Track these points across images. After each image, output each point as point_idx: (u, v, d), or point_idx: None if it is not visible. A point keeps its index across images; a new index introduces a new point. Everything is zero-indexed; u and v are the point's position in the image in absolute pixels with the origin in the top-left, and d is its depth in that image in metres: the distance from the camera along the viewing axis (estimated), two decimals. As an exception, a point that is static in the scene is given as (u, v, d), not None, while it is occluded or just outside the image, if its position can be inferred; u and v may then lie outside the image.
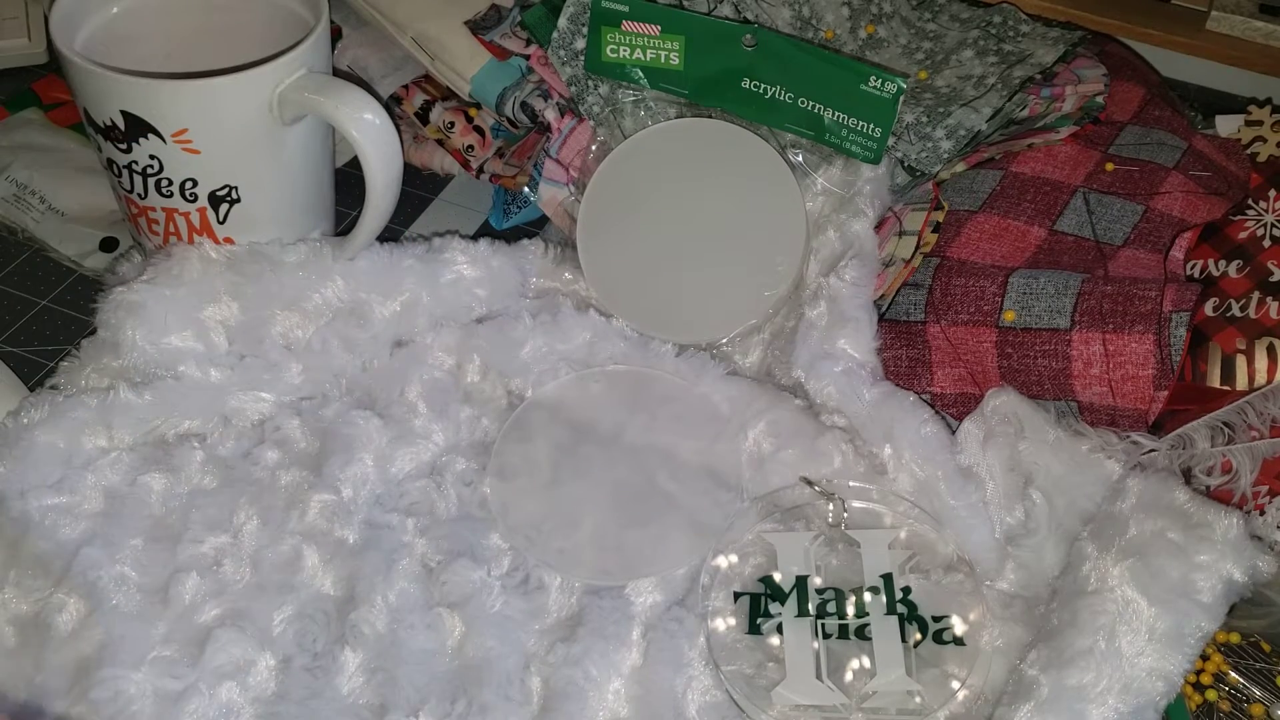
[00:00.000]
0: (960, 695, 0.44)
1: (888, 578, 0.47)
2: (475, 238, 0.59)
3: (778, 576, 0.47)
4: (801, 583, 0.47)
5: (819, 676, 0.44)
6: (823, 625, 0.46)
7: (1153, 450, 0.50)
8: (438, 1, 0.65)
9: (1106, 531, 0.46)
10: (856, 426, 0.52)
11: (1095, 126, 0.61)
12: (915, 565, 0.49)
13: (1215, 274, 0.56)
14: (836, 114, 0.57)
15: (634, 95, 0.61)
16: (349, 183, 0.63)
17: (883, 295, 0.55)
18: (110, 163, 0.55)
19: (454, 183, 0.69)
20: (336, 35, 0.68)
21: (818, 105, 0.57)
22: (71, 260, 0.63)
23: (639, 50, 0.59)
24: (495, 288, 0.58)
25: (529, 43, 0.62)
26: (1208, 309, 0.54)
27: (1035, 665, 0.44)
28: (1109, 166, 0.59)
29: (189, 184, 0.54)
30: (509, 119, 0.63)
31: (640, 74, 0.60)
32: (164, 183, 0.54)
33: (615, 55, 0.59)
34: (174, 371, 0.53)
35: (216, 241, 0.57)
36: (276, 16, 0.58)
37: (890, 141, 0.58)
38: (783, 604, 0.46)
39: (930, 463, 0.50)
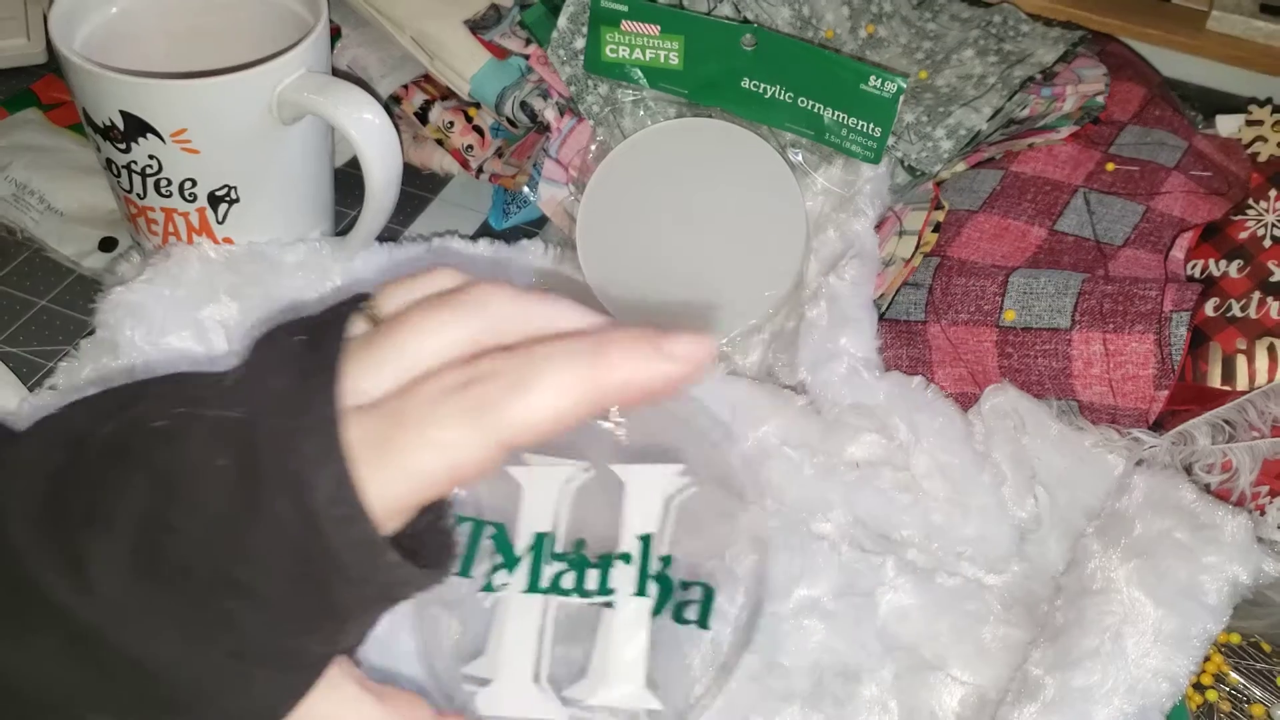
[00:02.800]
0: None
1: (646, 540, 0.35)
2: (475, 238, 0.59)
3: (517, 531, 0.34)
4: (540, 544, 0.35)
5: (536, 678, 0.34)
6: (555, 606, 0.34)
7: (1154, 447, 0.50)
8: (437, 1, 0.65)
9: (1112, 529, 0.46)
10: (871, 418, 0.52)
11: (1095, 126, 0.61)
12: (688, 502, 0.38)
13: (1216, 274, 0.56)
14: (836, 114, 0.57)
15: (634, 95, 0.61)
16: (349, 183, 0.63)
17: (883, 295, 0.55)
18: (109, 163, 0.55)
19: (453, 183, 0.69)
20: (336, 35, 0.68)
21: (817, 105, 0.57)
22: (70, 260, 0.63)
23: (638, 50, 0.59)
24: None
25: (528, 42, 0.62)
26: (1208, 309, 0.54)
27: (1040, 665, 0.44)
28: (1109, 166, 0.59)
29: (188, 184, 0.54)
30: (508, 119, 0.63)
31: (640, 74, 0.60)
32: (163, 183, 0.54)
33: (615, 55, 0.59)
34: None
35: (216, 241, 0.57)
36: (276, 16, 0.58)
37: (890, 141, 0.58)
38: (510, 572, 0.34)
39: (950, 451, 0.50)
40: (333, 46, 0.63)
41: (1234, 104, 0.67)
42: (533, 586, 0.34)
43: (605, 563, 0.35)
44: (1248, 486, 0.48)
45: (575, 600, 0.35)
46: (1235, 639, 0.46)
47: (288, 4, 0.57)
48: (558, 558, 0.35)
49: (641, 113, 0.61)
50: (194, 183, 0.54)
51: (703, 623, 0.31)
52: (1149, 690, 0.42)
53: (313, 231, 0.59)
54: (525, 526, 0.34)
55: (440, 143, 0.67)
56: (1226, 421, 0.50)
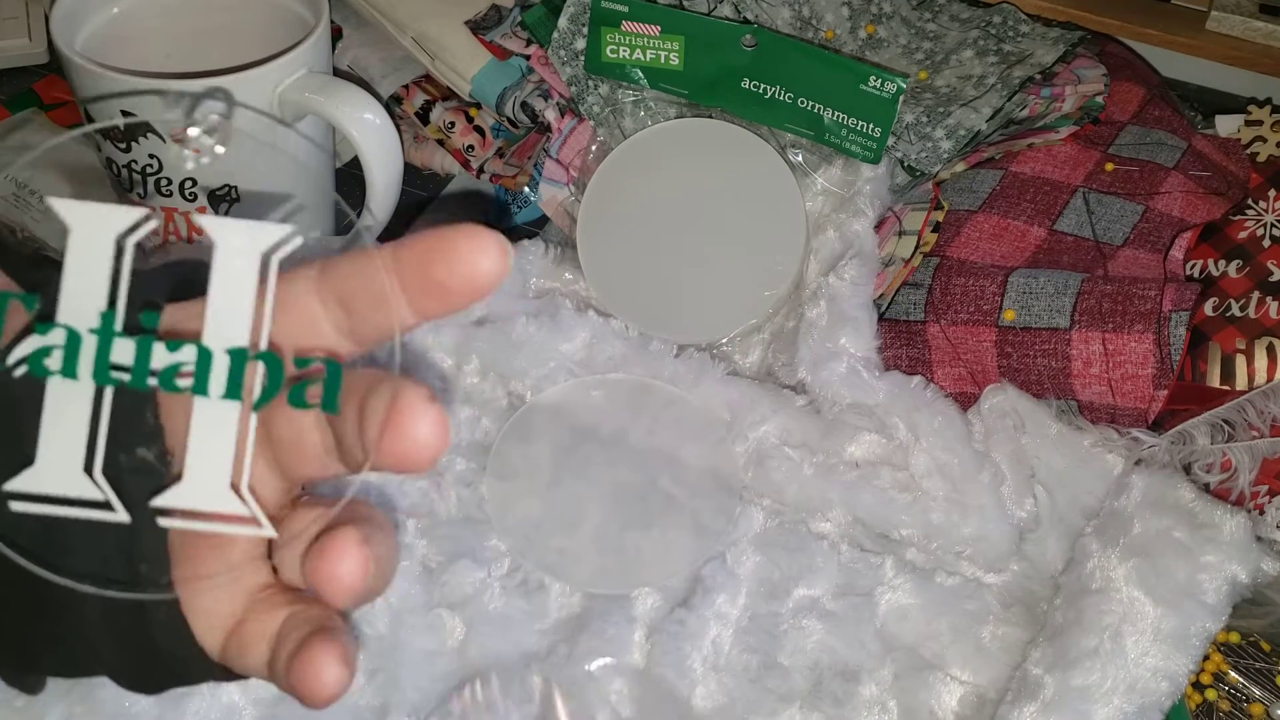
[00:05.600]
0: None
1: (237, 355, 0.25)
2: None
3: (61, 306, 0.25)
4: (107, 325, 0.25)
5: (88, 468, 0.26)
6: (112, 391, 0.25)
7: (1153, 446, 0.50)
8: (438, 1, 0.65)
9: (1110, 528, 0.47)
10: (871, 417, 0.52)
11: (1095, 126, 0.61)
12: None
13: (1215, 274, 0.56)
14: (836, 114, 0.57)
15: (634, 95, 0.61)
16: (349, 183, 0.63)
17: (882, 295, 0.56)
18: (110, 162, 0.55)
19: (454, 183, 0.69)
20: (337, 35, 0.68)
21: (817, 105, 0.57)
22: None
23: (639, 50, 0.59)
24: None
25: (529, 43, 0.62)
26: (1207, 309, 0.54)
27: (1040, 665, 0.44)
28: (1109, 166, 0.59)
29: (188, 184, 0.54)
30: (509, 119, 0.63)
31: (640, 74, 0.60)
32: (163, 182, 0.54)
33: (615, 55, 0.59)
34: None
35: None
36: (277, 16, 0.58)
37: (890, 141, 0.58)
38: (47, 355, 0.25)
39: (950, 451, 0.50)
40: (334, 47, 0.63)
41: (1233, 104, 0.67)
42: (68, 370, 0.25)
43: (181, 347, 0.26)
44: (1247, 486, 0.48)
45: (139, 391, 0.26)
46: (1234, 638, 0.46)
47: (289, 4, 0.58)
48: (115, 333, 0.25)
49: (642, 113, 0.61)
50: (194, 182, 0.54)
51: (328, 405, 0.25)
52: (1148, 689, 0.42)
53: (313, 231, 0.60)
54: (73, 291, 0.25)
55: (441, 143, 0.67)
56: (1226, 421, 0.50)
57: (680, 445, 0.53)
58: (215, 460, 0.25)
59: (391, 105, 0.67)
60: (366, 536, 0.26)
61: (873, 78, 0.55)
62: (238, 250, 0.25)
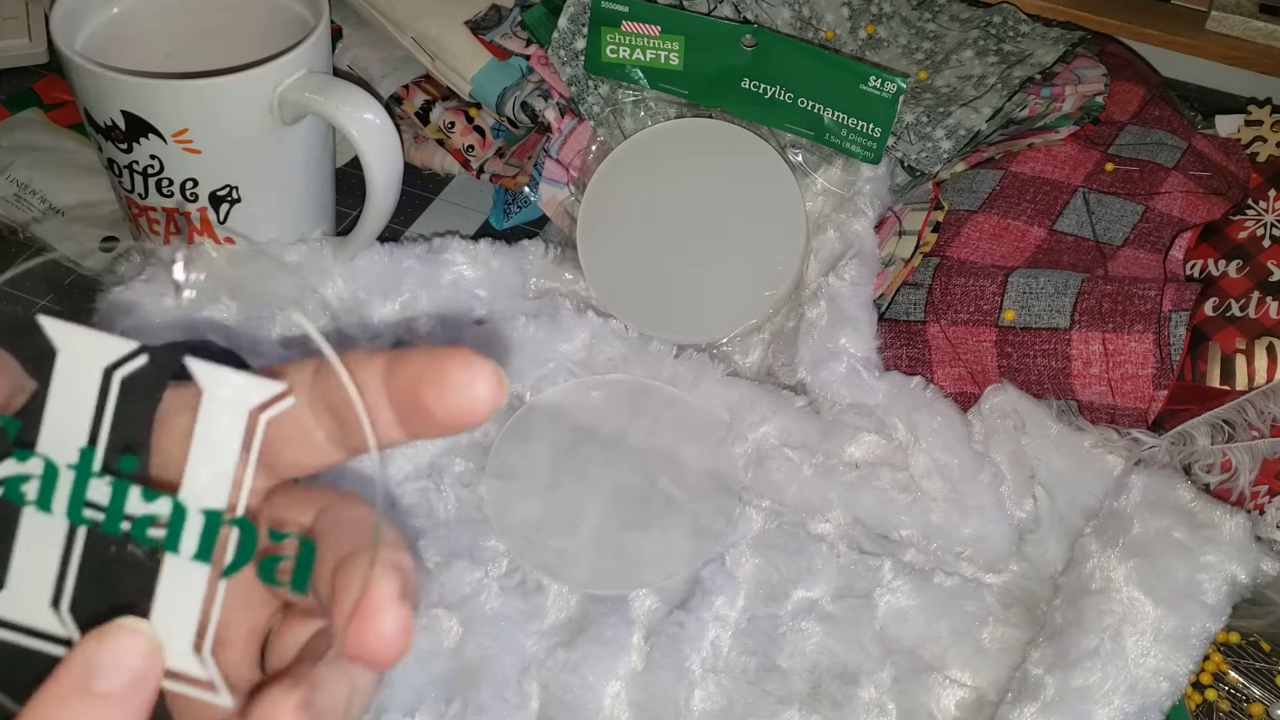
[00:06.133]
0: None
1: (212, 517, 0.25)
2: (475, 238, 0.59)
3: (41, 425, 0.25)
4: (85, 461, 0.25)
5: (55, 603, 0.25)
6: (89, 531, 0.25)
7: (1153, 447, 0.50)
8: (438, 1, 0.65)
9: (1110, 528, 0.47)
10: (870, 418, 0.52)
11: (1095, 126, 0.61)
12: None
13: (1215, 274, 0.56)
14: (836, 114, 0.57)
15: (634, 95, 0.61)
16: (349, 183, 0.63)
17: (882, 295, 0.55)
18: (111, 163, 0.55)
19: (454, 183, 0.69)
20: (337, 35, 0.68)
21: (817, 105, 0.57)
22: (71, 260, 0.63)
23: (639, 50, 0.59)
24: (495, 288, 0.58)
25: (529, 43, 0.62)
26: (1207, 309, 0.54)
27: (1040, 665, 0.44)
28: (1109, 166, 0.59)
29: (189, 184, 0.54)
30: (509, 119, 0.63)
31: (640, 74, 0.60)
32: (164, 182, 0.54)
33: (615, 55, 0.59)
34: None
35: (217, 241, 0.57)
36: (277, 17, 0.58)
37: (890, 141, 0.58)
38: (24, 482, 0.25)
39: (949, 451, 0.50)
40: (334, 47, 0.63)
41: (1233, 104, 0.67)
42: (43, 504, 0.24)
43: (157, 498, 0.25)
44: (1247, 486, 0.48)
45: (110, 535, 0.25)
46: (1234, 638, 0.46)
47: (289, 4, 0.58)
48: (94, 474, 0.25)
49: (642, 113, 0.61)
50: (195, 182, 0.54)
51: (298, 585, 0.24)
52: (1149, 689, 0.42)
53: (314, 231, 0.60)
54: (54, 421, 0.25)
55: (441, 143, 0.67)
56: (1226, 421, 0.50)
57: (680, 446, 0.53)
58: (180, 619, 0.24)
59: (391, 105, 0.67)
60: (311, 690, 0.24)
61: (873, 78, 0.55)
62: (226, 404, 0.24)
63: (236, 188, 0.55)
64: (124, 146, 0.53)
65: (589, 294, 0.59)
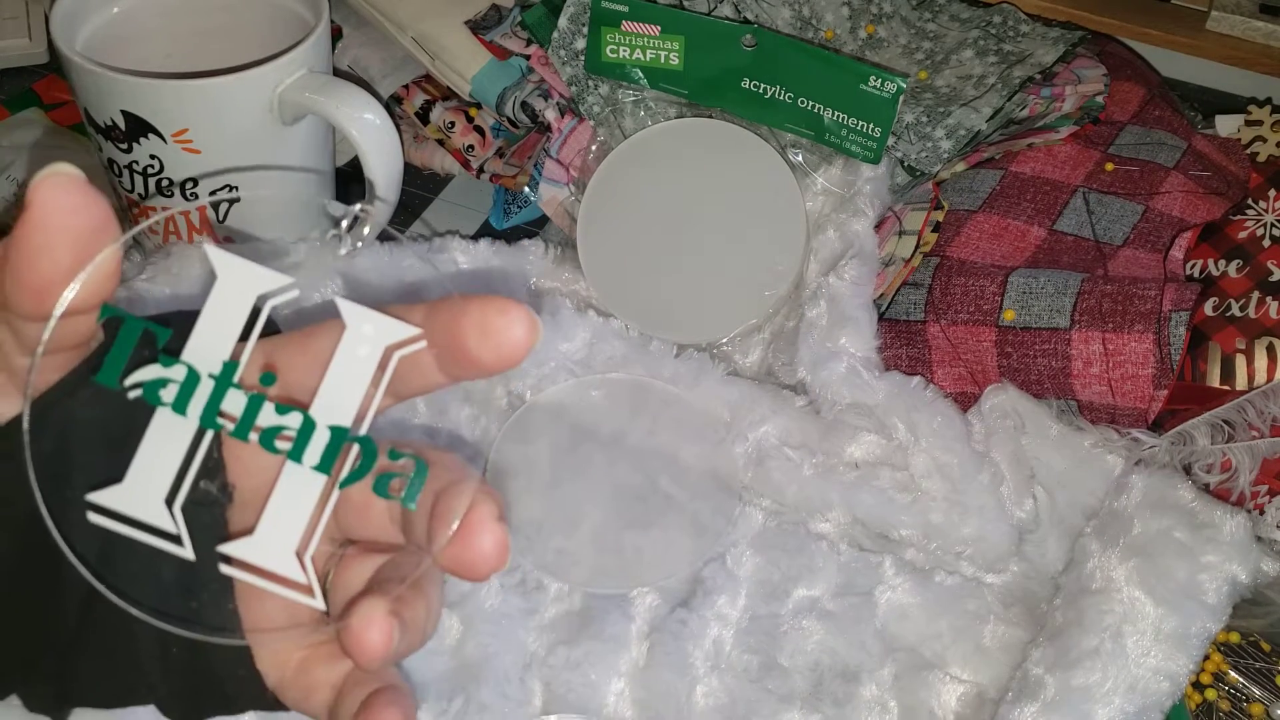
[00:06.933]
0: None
1: (338, 433, 0.27)
2: (475, 238, 0.59)
3: (195, 337, 0.26)
4: (227, 374, 0.26)
5: (170, 500, 0.26)
6: (216, 436, 0.26)
7: (1153, 447, 0.50)
8: (438, 1, 0.65)
9: (1110, 528, 0.47)
10: (870, 417, 0.52)
11: (1095, 126, 0.61)
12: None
13: (1215, 274, 0.56)
14: (836, 114, 0.57)
15: (634, 95, 0.61)
16: (349, 183, 0.63)
17: (882, 295, 0.56)
18: (110, 162, 0.55)
19: (454, 183, 0.69)
20: (337, 35, 0.68)
21: (817, 105, 0.57)
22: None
23: (639, 50, 0.59)
24: (495, 288, 0.58)
25: (529, 43, 0.62)
26: (1207, 309, 0.54)
27: (1040, 665, 0.44)
28: (1109, 166, 0.59)
29: (189, 184, 0.54)
30: (509, 119, 0.63)
31: (640, 74, 0.60)
32: (164, 182, 0.54)
33: (615, 55, 0.60)
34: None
35: (217, 241, 0.57)
36: (277, 16, 0.58)
37: (890, 141, 0.58)
38: (163, 386, 0.26)
39: (949, 451, 0.50)
40: (334, 47, 0.63)
41: (1233, 104, 0.67)
42: (180, 405, 0.26)
43: (289, 412, 0.27)
44: (1247, 486, 0.48)
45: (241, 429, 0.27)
46: (1235, 638, 0.46)
47: (289, 4, 0.58)
48: (236, 387, 0.27)
49: (642, 113, 0.61)
50: (195, 182, 0.54)
51: (409, 499, 0.26)
52: (1149, 689, 0.42)
53: (313, 231, 0.60)
54: (203, 336, 0.26)
55: (441, 143, 0.67)
56: (1226, 421, 0.50)
57: (680, 445, 0.53)
58: (289, 525, 0.26)
59: (391, 105, 0.67)
60: (397, 604, 0.26)
61: (873, 78, 0.55)
62: (366, 338, 0.26)
63: (236, 187, 0.55)
64: (124, 146, 0.53)
65: (589, 294, 0.59)
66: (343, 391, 0.26)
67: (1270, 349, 0.52)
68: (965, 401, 0.53)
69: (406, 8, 0.64)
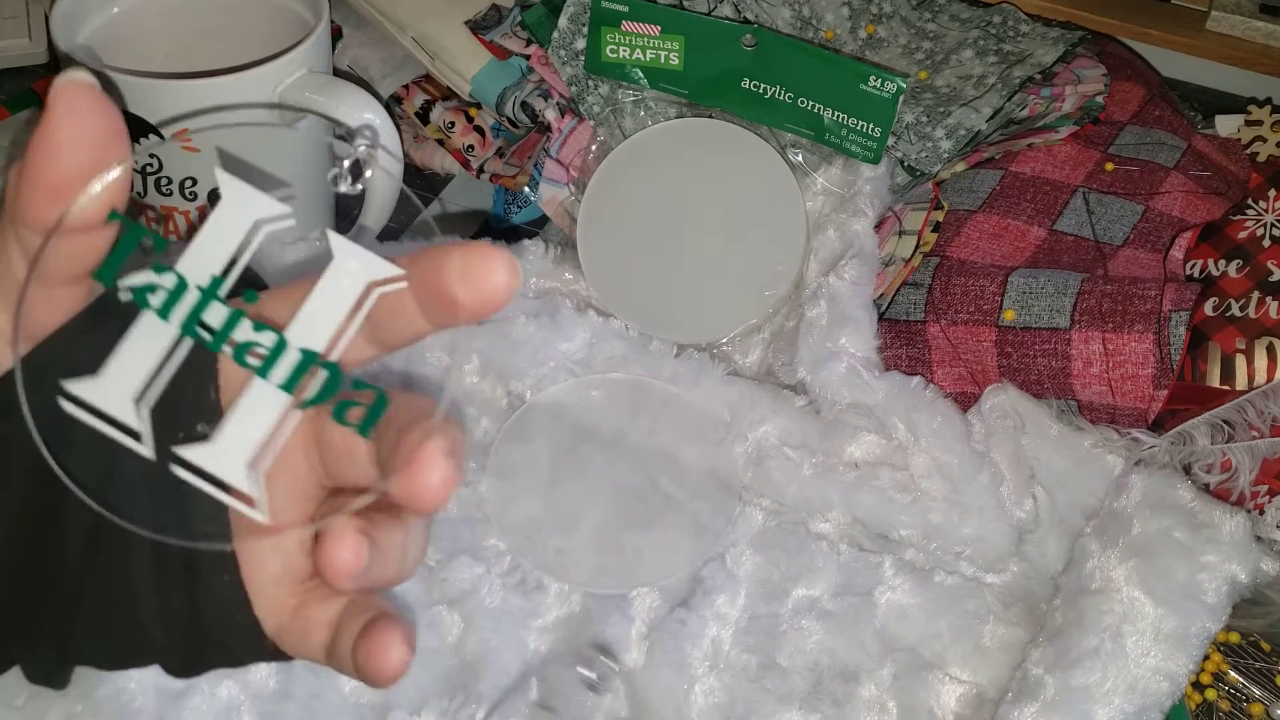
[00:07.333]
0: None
1: (308, 355, 0.27)
2: (475, 238, 0.59)
3: (191, 248, 0.27)
4: (214, 286, 0.27)
5: (138, 399, 0.27)
6: (189, 348, 0.27)
7: (1153, 447, 0.50)
8: (438, 1, 0.65)
9: (1110, 528, 0.47)
10: (870, 417, 0.52)
11: (1095, 126, 0.61)
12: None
13: (1215, 274, 0.56)
14: (836, 114, 0.57)
15: (634, 95, 0.61)
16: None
17: (882, 295, 0.56)
18: (110, 162, 0.55)
19: (454, 183, 0.69)
20: (337, 35, 0.68)
21: (817, 105, 0.57)
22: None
23: (639, 50, 0.59)
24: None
25: (529, 42, 0.62)
26: (1207, 309, 0.54)
27: (1040, 665, 0.44)
28: (1109, 166, 0.59)
29: (188, 183, 0.54)
30: (509, 119, 0.63)
31: (640, 74, 0.60)
32: (163, 181, 0.54)
33: (615, 55, 0.60)
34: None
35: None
36: (277, 16, 0.58)
37: (890, 141, 0.58)
38: (153, 292, 0.26)
39: (949, 451, 0.50)
40: (334, 47, 0.63)
41: (1233, 104, 0.67)
42: (165, 313, 0.27)
43: (264, 330, 0.27)
44: (1247, 486, 0.48)
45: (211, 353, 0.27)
46: (1234, 638, 0.46)
47: (289, 4, 0.58)
48: (220, 301, 0.27)
49: (642, 113, 0.61)
50: (194, 181, 0.54)
51: (364, 429, 0.27)
52: (1149, 689, 0.42)
53: (313, 231, 0.60)
54: (198, 250, 0.27)
55: (441, 143, 0.67)
56: (1226, 421, 0.50)
57: (680, 445, 0.53)
58: (246, 437, 0.27)
59: (391, 105, 0.67)
60: (369, 526, 0.27)
61: (873, 78, 0.55)
62: (350, 272, 0.27)
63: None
64: (124, 146, 0.53)
65: (589, 294, 0.59)
66: (320, 318, 0.27)
67: (1270, 349, 0.52)
68: (965, 401, 0.53)
69: (406, 8, 0.64)
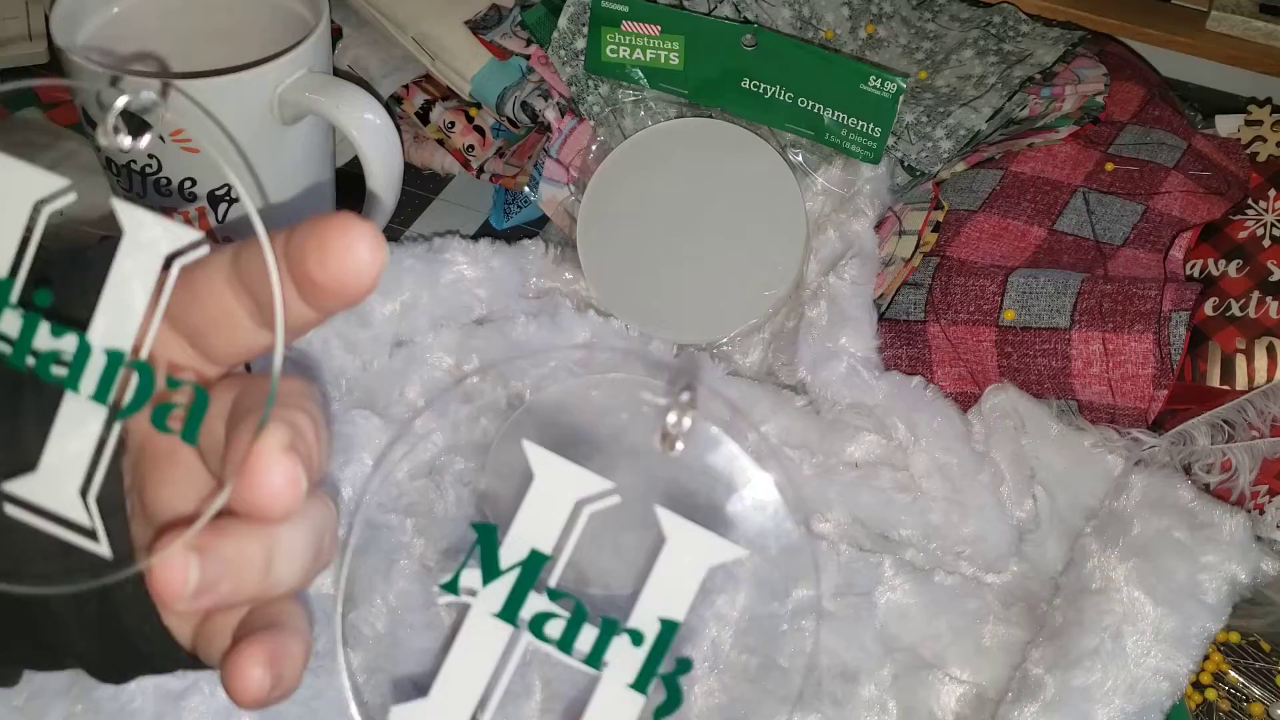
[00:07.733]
0: None
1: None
2: (475, 238, 0.59)
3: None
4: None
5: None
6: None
7: (1153, 447, 0.50)
8: (438, 1, 0.65)
9: (1110, 528, 0.46)
10: (870, 417, 0.52)
11: (1095, 126, 0.61)
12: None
13: (1215, 273, 0.56)
14: (836, 114, 0.57)
15: (634, 95, 0.61)
16: (349, 183, 0.63)
17: (882, 295, 0.55)
18: (109, 162, 0.55)
19: (454, 183, 0.69)
20: (337, 35, 0.68)
21: (817, 105, 0.57)
22: (71, 260, 0.63)
23: (639, 50, 0.59)
24: (495, 288, 0.58)
25: (529, 42, 0.62)
26: (1207, 308, 0.54)
27: (1040, 665, 0.44)
28: (1109, 166, 0.59)
29: (188, 183, 0.54)
30: (509, 119, 0.63)
31: (640, 74, 0.60)
32: (162, 182, 0.54)
33: (615, 55, 0.59)
34: (173, 371, 0.53)
35: (216, 241, 0.57)
36: (277, 16, 0.58)
37: (890, 141, 0.58)
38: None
39: (949, 451, 0.50)
40: (334, 47, 0.63)
41: (1233, 104, 0.67)
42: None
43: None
44: (1247, 486, 0.48)
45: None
46: (1234, 638, 0.46)
47: (289, 4, 0.58)
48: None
49: (642, 113, 0.61)
50: (193, 182, 0.54)
51: (188, 434, 0.24)
52: (1149, 689, 0.42)
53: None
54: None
55: (441, 143, 0.67)
56: (1226, 421, 0.50)
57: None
58: (71, 461, 0.24)
59: (391, 105, 0.67)
60: (214, 538, 0.24)
61: (873, 78, 0.55)
62: (142, 245, 0.23)
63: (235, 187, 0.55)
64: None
65: (589, 294, 0.59)
66: (120, 309, 0.23)
67: (1270, 349, 0.52)
68: (965, 401, 0.53)
69: (406, 8, 0.64)
